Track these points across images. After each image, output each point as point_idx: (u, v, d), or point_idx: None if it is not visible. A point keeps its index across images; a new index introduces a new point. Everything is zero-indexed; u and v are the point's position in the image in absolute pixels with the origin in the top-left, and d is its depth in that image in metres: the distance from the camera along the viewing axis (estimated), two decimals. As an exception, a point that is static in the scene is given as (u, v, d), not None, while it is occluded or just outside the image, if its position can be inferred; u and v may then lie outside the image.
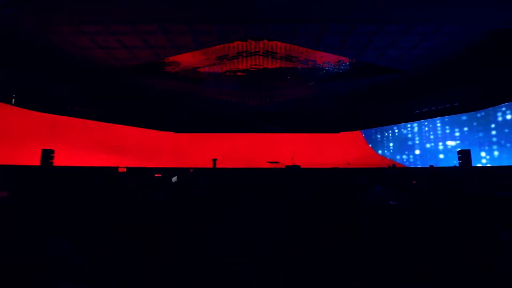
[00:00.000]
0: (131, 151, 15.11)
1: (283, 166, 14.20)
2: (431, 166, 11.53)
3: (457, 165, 10.37)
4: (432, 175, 8.76)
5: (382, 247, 2.12)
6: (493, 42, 8.79)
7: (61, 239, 2.57)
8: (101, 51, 9.51)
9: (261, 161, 14.83)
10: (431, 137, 14.73)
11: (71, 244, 2.50)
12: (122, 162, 13.15)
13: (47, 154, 11.54)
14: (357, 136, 18.08)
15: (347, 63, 12.02)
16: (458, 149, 10.58)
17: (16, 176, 5.90)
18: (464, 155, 10.19)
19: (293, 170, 12.74)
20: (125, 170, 5.73)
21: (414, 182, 6.48)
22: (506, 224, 2.04)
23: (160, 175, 5.79)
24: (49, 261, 2.39)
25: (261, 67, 12.36)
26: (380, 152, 17.20)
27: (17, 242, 2.40)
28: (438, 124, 14.39)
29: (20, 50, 8.85)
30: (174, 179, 5.14)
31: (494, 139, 11.70)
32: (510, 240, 1.77)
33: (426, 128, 15.05)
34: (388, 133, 16.90)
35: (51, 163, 11.47)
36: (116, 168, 9.24)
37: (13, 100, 12.67)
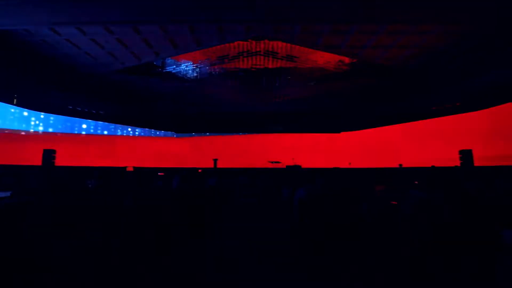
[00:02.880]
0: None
1: (284, 166, 14.22)
2: (432, 167, 11.50)
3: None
4: (434, 175, 8.73)
5: (382, 247, 2.12)
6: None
7: (63, 240, 2.57)
8: (100, 51, 9.52)
9: (262, 161, 14.84)
10: None
11: (73, 245, 2.51)
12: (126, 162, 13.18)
13: (48, 154, 11.59)
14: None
15: (348, 63, 12.01)
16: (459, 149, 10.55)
17: (18, 176, 5.93)
18: (466, 154, 10.16)
19: (294, 170, 12.75)
20: (132, 169, 5.78)
21: (415, 182, 6.47)
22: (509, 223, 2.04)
23: (163, 173, 5.81)
24: (52, 261, 2.40)
25: (262, 67, 12.37)
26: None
27: (21, 242, 2.41)
28: None
29: (19, 50, 8.88)
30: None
31: None
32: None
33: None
34: None
35: (53, 162, 11.53)
36: (118, 168, 9.26)
37: (15, 100, 12.73)
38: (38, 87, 11.35)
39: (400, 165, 12.52)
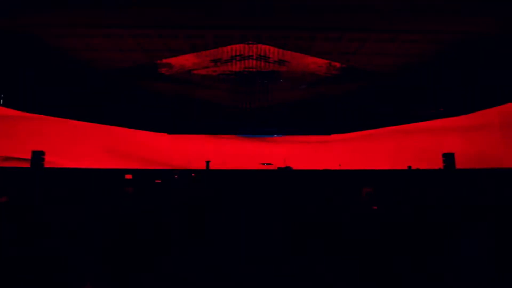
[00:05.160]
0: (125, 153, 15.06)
1: (276, 168, 14.45)
2: (409, 167, 11.76)
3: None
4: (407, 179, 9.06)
5: (361, 252, 2.33)
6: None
7: (62, 239, 2.68)
8: (95, 53, 9.51)
9: (254, 163, 15.01)
10: None
11: (72, 244, 2.62)
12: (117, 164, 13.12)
13: (37, 156, 11.41)
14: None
15: (339, 68, 12.35)
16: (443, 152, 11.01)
17: (11, 179, 5.91)
18: (448, 158, 10.63)
19: (285, 171, 13.00)
20: (131, 177, 5.78)
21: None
22: (466, 229, 2.28)
23: (160, 181, 5.86)
24: (51, 261, 2.50)
25: (254, 70, 12.56)
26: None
27: (27, 245, 2.51)
28: None
29: (13, 50, 8.79)
30: None
31: None
32: (465, 245, 2.01)
33: None
34: None
35: (42, 164, 11.35)
36: (112, 169, 9.24)
37: (1, 100, 12.47)
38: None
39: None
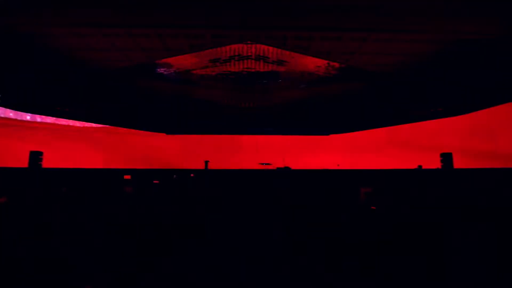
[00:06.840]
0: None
1: (275, 168, 14.47)
2: (419, 166, 11.86)
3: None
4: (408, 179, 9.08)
5: (361, 252, 2.34)
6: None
7: (64, 237, 2.67)
8: (94, 52, 9.47)
9: (253, 163, 15.02)
10: None
11: (74, 244, 2.62)
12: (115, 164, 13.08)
13: (35, 156, 11.39)
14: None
15: (338, 68, 12.35)
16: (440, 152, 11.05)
17: (9, 179, 5.88)
18: (446, 158, 10.67)
19: (284, 171, 13.02)
20: (130, 177, 5.77)
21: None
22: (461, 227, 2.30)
23: (158, 181, 5.86)
24: (53, 261, 2.50)
25: (253, 70, 12.55)
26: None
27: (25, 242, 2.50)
28: None
29: (12, 50, 8.74)
30: None
31: None
32: (461, 241, 2.02)
33: None
34: None
35: (40, 165, 11.33)
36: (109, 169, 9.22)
37: None
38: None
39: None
